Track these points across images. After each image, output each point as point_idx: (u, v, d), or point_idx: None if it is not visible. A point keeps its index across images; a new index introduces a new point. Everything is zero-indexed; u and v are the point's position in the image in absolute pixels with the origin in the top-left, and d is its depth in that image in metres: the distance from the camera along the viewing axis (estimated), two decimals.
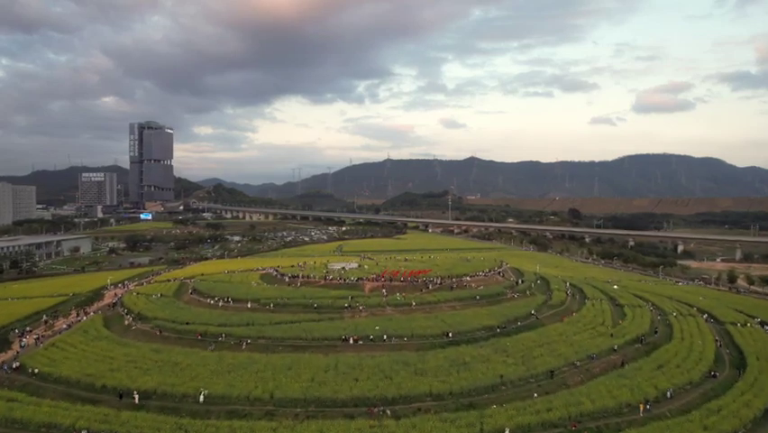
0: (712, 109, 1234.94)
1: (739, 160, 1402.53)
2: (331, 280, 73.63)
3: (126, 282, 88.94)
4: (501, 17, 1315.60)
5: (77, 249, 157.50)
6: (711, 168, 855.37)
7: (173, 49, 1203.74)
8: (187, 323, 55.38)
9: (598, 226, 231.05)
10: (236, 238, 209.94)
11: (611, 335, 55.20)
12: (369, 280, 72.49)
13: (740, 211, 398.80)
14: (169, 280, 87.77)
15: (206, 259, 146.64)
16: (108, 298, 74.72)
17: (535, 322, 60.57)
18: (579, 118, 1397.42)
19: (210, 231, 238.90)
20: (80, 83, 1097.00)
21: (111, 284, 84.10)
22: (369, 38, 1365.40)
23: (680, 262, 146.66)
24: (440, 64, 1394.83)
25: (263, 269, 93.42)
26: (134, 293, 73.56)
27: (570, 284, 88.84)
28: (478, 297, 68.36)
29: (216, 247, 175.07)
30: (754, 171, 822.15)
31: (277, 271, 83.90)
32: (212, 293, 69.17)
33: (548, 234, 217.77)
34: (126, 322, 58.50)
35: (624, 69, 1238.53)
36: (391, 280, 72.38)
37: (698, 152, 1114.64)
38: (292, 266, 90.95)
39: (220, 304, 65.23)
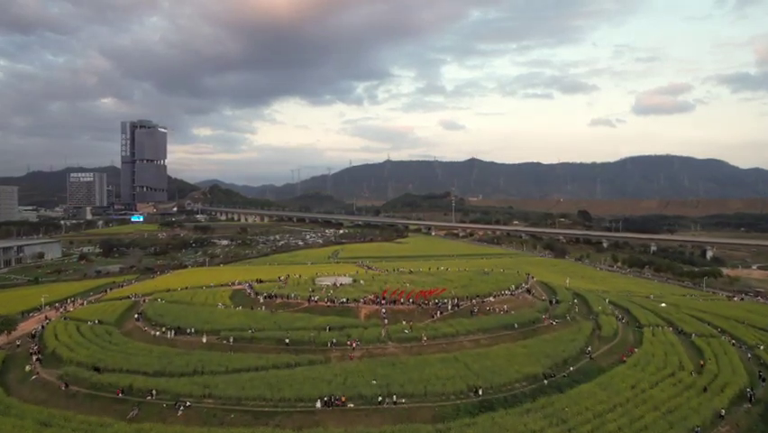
0: (712, 111, 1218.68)
1: (742, 161, 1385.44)
2: (317, 301, 57.68)
3: (69, 300, 72.75)
4: (500, 18, 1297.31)
5: (41, 255, 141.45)
6: (714, 169, 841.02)
7: (171, 50, 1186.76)
8: (96, 369, 39.35)
9: (616, 229, 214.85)
10: (224, 242, 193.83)
11: (705, 388, 39.28)
12: (365, 303, 56.53)
13: (753, 213, 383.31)
14: (128, 297, 72.01)
15: (185, 267, 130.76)
16: (33, 323, 58.70)
17: (591, 365, 44.71)
18: (578, 120, 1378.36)
19: (198, 234, 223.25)
20: (78, 84, 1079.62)
21: (45, 304, 67.94)
22: (367, 39, 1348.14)
23: (709, 270, 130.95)
24: (439, 65, 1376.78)
25: (238, 283, 77.49)
26: (63, 318, 57.64)
27: (608, 301, 73.32)
28: (515, 325, 52.48)
29: (199, 253, 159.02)
30: (757, 173, 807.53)
31: (251, 288, 68.00)
32: (161, 321, 53.21)
33: (561, 237, 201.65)
34: (28, 367, 42.51)
35: (623, 71, 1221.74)
36: (394, 303, 56.47)
37: (699, 153, 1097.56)
38: (270, 281, 75.29)
39: (168, 336, 49.30)
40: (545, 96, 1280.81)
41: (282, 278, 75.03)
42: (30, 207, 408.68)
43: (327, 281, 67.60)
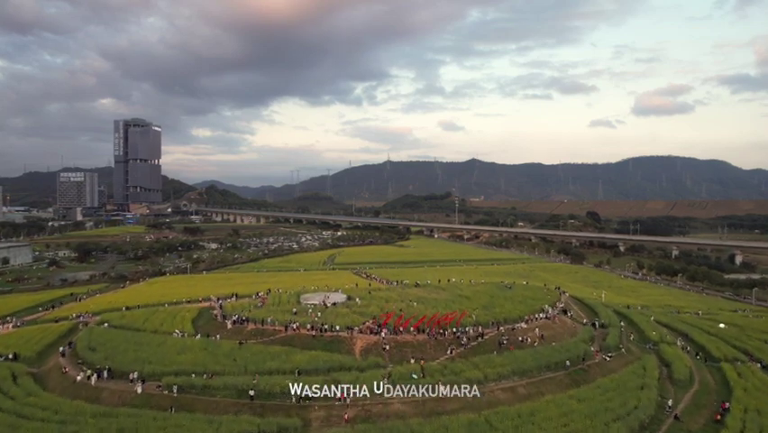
0: (712, 112, 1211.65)
1: (744, 162, 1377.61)
2: (298, 328, 44.63)
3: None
4: (499, 19, 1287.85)
5: (6, 260, 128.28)
6: (717, 170, 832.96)
7: (169, 50, 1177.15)
8: None
9: (634, 231, 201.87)
10: (213, 246, 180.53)
11: None
12: (361, 332, 43.52)
13: (766, 215, 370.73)
14: (76, 316, 59.00)
15: (163, 274, 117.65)
16: None
17: (679, 431, 31.70)
18: (578, 120, 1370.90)
19: (187, 236, 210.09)
20: (77, 85, 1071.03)
21: None
22: (365, 40, 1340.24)
23: (731, 276, 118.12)
24: (437, 66, 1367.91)
25: (208, 299, 64.40)
26: None
27: (653, 319, 60.60)
28: (567, 363, 39.47)
29: (183, 258, 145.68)
30: (760, 174, 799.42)
31: (221, 307, 54.96)
32: (91, 357, 40.22)
33: (574, 240, 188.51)
34: None
35: (623, 72, 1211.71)
36: (399, 332, 43.47)
37: (701, 154, 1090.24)
38: (249, 296, 62.32)
39: (93, 382, 36.25)
40: (545, 96, 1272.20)
41: (261, 294, 61.97)
42: (22, 208, 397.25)
43: (315, 299, 54.55)
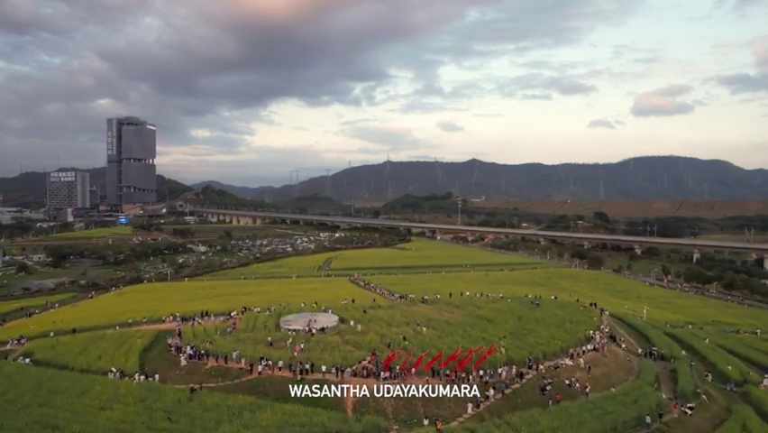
0: (712, 112, 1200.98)
1: (746, 162, 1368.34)
2: (270, 368, 33.35)
3: None
4: (497, 19, 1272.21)
5: None
6: (719, 170, 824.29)
7: (167, 51, 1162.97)
8: None
9: (650, 233, 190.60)
10: (202, 248, 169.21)
11: None
12: (356, 374, 32.31)
13: None
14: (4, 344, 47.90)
15: (141, 281, 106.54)
16: None
17: None
18: (578, 121, 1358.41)
19: (176, 238, 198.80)
20: (75, 85, 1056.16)
21: None
22: (364, 40, 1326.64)
23: None
24: (436, 67, 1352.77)
25: (173, 318, 53.02)
26: None
27: (711, 342, 49.55)
28: (648, 420, 28.25)
29: (166, 263, 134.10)
30: (762, 174, 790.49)
31: (180, 333, 43.60)
32: None
33: (586, 243, 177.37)
34: None
35: (622, 72, 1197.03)
36: (408, 371, 32.25)
37: (702, 155, 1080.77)
38: (222, 314, 51.09)
39: None
40: (544, 97, 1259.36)
41: (234, 314, 50.75)
42: (14, 209, 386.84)
43: (298, 323, 43.31)
